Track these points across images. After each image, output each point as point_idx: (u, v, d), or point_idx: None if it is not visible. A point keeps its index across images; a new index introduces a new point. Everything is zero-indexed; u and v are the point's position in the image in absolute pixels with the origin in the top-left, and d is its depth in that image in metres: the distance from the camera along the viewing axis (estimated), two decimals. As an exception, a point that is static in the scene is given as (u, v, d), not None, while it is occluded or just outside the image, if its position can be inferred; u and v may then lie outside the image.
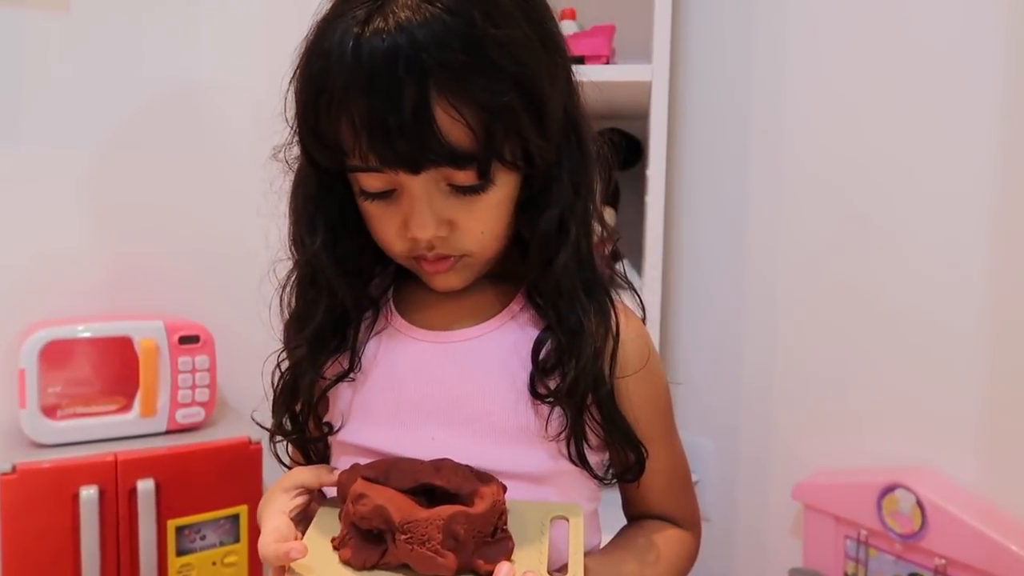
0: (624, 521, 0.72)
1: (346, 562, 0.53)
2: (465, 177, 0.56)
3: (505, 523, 0.55)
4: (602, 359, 0.62)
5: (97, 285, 1.34)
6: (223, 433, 1.26)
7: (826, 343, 1.18)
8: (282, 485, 0.62)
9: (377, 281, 0.69)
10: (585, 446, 0.63)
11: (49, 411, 1.19)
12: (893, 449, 1.09)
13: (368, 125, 0.53)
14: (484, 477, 0.57)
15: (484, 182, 0.57)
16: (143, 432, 1.22)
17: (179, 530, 1.18)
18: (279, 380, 0.68)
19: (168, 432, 1.23)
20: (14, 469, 1.09)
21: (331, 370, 0.66)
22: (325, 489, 0.65)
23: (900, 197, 1.08)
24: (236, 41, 1.45)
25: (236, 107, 1.44)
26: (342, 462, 0.65)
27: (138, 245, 1.38)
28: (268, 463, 1.27)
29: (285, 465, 0.72)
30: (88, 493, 1.11)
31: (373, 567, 0.53)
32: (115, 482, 1.13)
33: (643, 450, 0.64)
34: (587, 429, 0.63)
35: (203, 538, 1.20)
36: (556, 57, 0.59)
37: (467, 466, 0.57)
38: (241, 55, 1.45)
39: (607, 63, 1.19)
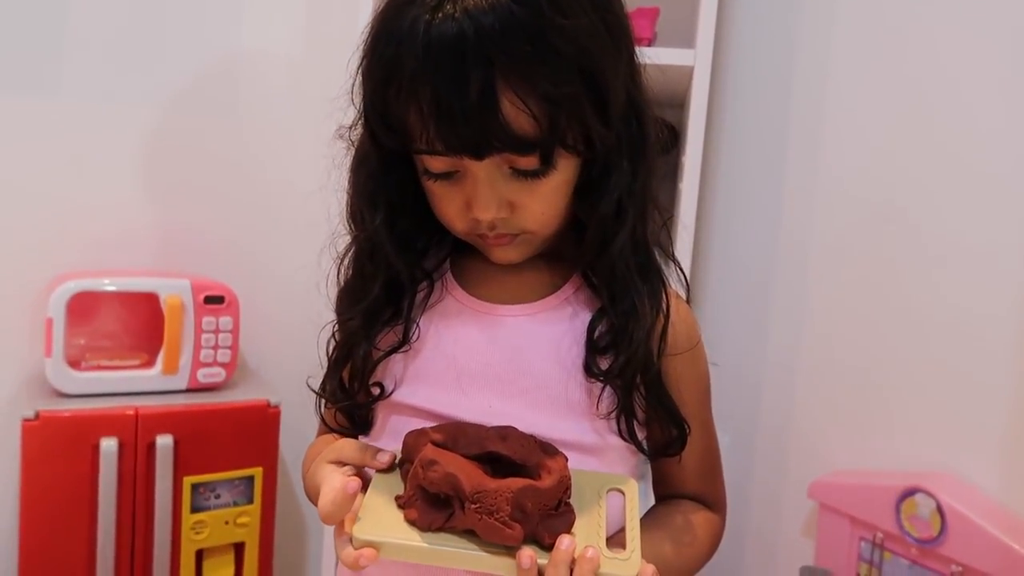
0: (652, 500, 0.73)
1: (412, 522, 0.54)
2: (527, 162, 0.57)
3: (569, 496, 0.56)
4: (652, 340, 0.63)
5: (127, 240, 1.35)
6: (242, 395, 1.27)
7: (852, 341, 1.16)
8: (327, 458, 0.62)
9: (433, 252, 0.70)
10: (634, 421, 0.64)
11: (73, 362, 1.20)
12: (915, 452, 1.07)
13: (435, 112, 0.54)
14: (549, 449, 0.58)
15: (546, 167, 0.58)
16: (164, 388, 1.23)
17: (195, 487, 1.19)
18: (333, 349, 0.69)
19: (188, 390, 1.25)
20: (37, 416, 1.10)
21: (384, 340, 0.66)
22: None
23: (936, 197, 1.06)
24: (296, 13, 1.45)
25: (279, 77, 1.45)
26: (393, 421, 0.66)
27: (169, 204, 1.39)
28: (285, 427, 1.28)
29: (328, 427, 0.73)
30: (108, 444, 1.12)
31: (439, 529, 0.54)
32: (135, 436, 1.15)
33: (686, 426, 0.66)
34: (635, 405, 0.64)
35: (218, 497, 1.21)
36: (621, 43, 0.59)
37: (532, 436, 0.58)
38: (294, 29, 1.45)
39: (649, 46, 1.17)
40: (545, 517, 0.53)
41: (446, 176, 0.60)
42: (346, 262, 0.68)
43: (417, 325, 0.66)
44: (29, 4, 1.26)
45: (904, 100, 1.11)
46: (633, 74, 0.62)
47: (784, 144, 1.27)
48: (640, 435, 0.65)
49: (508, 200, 0.60)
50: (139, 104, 1.35)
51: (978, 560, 0.96)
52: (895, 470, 1.08)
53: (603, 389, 0.63)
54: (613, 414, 0.64)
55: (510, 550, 0.52)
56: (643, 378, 0.64)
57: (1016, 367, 0.98)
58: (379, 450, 0.60)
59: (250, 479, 1.23)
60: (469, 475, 0.54)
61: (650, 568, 0.53)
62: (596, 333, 0.64)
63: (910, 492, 1.02)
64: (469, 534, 0.53)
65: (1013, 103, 0.99)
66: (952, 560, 0.98)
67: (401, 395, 0.66)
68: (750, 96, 1.33)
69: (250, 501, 1.24)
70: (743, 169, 1.34)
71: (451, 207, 0.62)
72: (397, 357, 0.66)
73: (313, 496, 0.61)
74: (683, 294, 0.71)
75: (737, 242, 1.35)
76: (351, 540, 0.53)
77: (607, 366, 0.63)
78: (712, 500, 0.72)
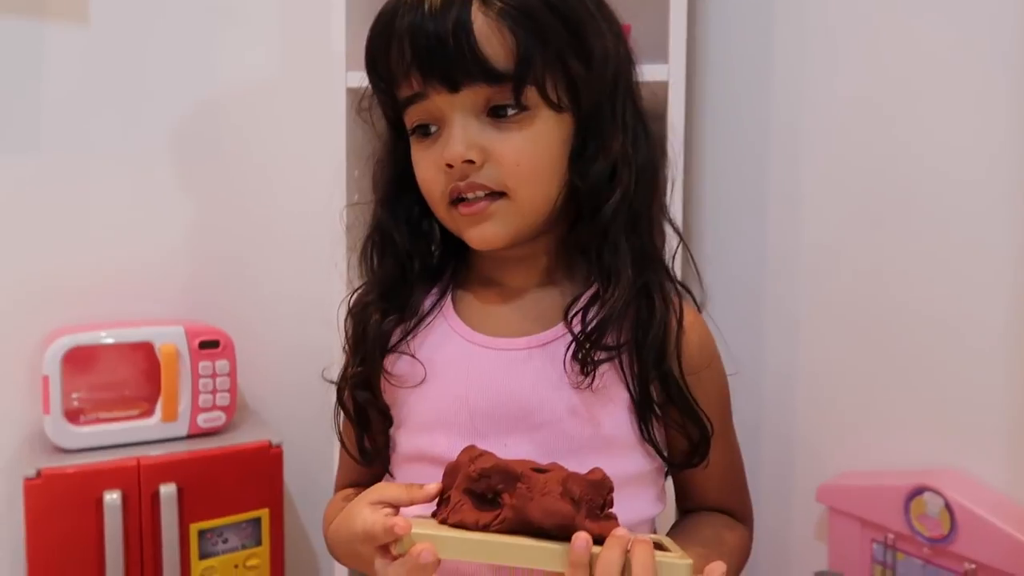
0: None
1: (459, 522, 0.53)
2: (501, 95, 0.58)
3: (612, 504, 0.55)
4: (666, 336, 0.62)
5: (118, 291, 1.35)
6: (244, 437, 1.27)
7: (852, 341, 1.16)
8: (367, 499, 0.58)
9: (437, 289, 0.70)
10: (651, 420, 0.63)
11: (72, 416, 1.20)
12: (921, 451, 1.06)
13: (412, 39, 0.58)
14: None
15: (519, 103, 0.59)
16: (165, 437, 1.23)
17: (201, 533, 1.18)
18: (350, 335, 0.70)
19: (190, 436, 1.24)
20: (39, 474, 1.10)
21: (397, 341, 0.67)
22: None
23: (924, 195, 1.06)
24: (264, 48, 1.46)
25: (260, 110, 1.45)
26: (410, 471, 0.66)
27: (159, 251, 1.39)
28: (289, 467, 1.28)
29: (347, 451, 0.72)
30: (112, 498, 1.12)
31: (485, 527, 0.52)
32: (138, 486, 1.15)
33: (708, 425, 0.65)
34: (651, 400, 0.63)
35: (225, 541, 1.21)
36: (603, 12, 0.63)
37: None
38: (268, 62, 1.46)
39: (624, 62, 1.17)
40: (592, 517, 0.53)
41: (425, 131, 0.61)
42: (367, 253, 0.70)
43: (419, 360, 0.66)
44: (2, 62, 1.27)
45: (885, 98, 1.11)
46: (627, 57, 0.65)
47: (767, 150, 1.27)
48: (660, 440, 0.64)
49: (480, 144, 0.59)
50: (120, 153, 1.35)
51: (991, 556, 0.95)
52: (902, 469, 1.08)
53: (597, 372, 0.61)
54: (585, 378, 0.61)
55: (562, 543, 0.51)
56: (657, 374, 0.62)
57: (1018, 361, 0.97)
58: (423, 485, 0.58)
59: (257, 521, 1.23)
60: (517, 464, 0.54)
61: (722, 570, 0.52)
62: (587, 317, 0.62)
63: (918, 491, 1.02)
64: (520, 532, 0.52)
65: (997, 94, 0.98)
66: (965, 558, 0.97)
67: (419, 444, 0.66)
68: (728, 106, 1.33)
69: (258, 543, 1.23)
70: (726, 179, 1.34)
71: (430, 167, 0.62)
72: (411, 395, 0.66)
73: (342, 546, 0.60)
74: (696, 295, 0.71)
75: (727, 251, 1.34)
76: (400, 543, 0.51)
77: (576, 337, 0.61)
78: (739, 513, 0.71)
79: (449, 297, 0.69)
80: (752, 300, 1.30)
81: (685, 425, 0.64)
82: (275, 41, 1.46)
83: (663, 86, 1.11)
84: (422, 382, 0.65)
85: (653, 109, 1.25)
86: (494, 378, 0.64)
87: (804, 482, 1.21)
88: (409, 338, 0.67)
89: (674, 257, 0.73)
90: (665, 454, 0.65)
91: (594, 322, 0.61)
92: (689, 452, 0.66)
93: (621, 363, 0.63)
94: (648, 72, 1.09)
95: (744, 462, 1.30)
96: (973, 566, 0.97)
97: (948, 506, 0.98)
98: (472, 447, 0.57)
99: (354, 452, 0.70)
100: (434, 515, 0.56)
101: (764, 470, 1.30)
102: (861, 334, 1.14)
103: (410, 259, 0.68)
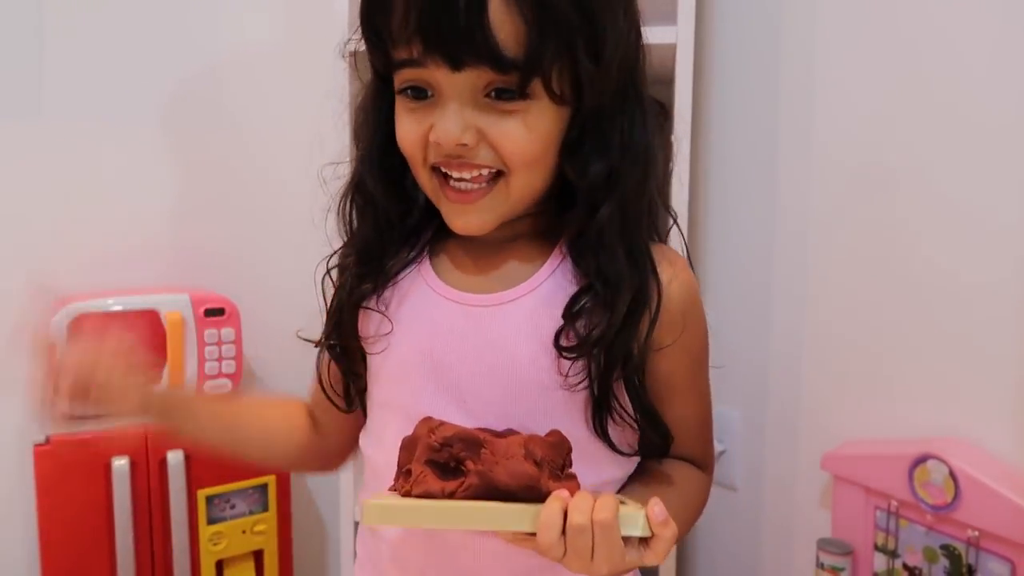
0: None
1: (425, 492, 0.53)
2: (504, 81, 0.55)
3: (571, 464, 0.56)
4: (634, 334, 0.60)
5: (124, 258, 1.35)
6: (250, 404, 1.28)
7: (857, 310, 1.15)
8: None
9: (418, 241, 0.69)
10: (609, 420, 0.62)
11: (80, 383, 1.20)
12: (925, 419, 1.06)
13: (419, 4, 0.53)
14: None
15: (522, 93, 0.56)
16: (172, 404, 1.23)
17: (209, 500, 1.20)
18: (333, 295, 0.70)
19: (197, 404, 1.25)
20: (48, 440, 1.12)
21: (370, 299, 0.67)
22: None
23: (932, 162, 1.05)
24: (266, 13, 1.43)
25: (265, 77, 1.43)
26: (382, 418, 0.67)
27: (164, 218, 1.39)
28: (295, 434, 1.28)
29: (320, 384, 0.74)
30: (120, 464, 1.13)
31: (451, 495, 0.53)
32: (146, 453, 1.16)
33: (670, 435, 0.65)
34: (613, 404, 0.62)
35: (232, 507, 1.22)
36: (625, 2, 0.60)
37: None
38: (270, 26, 1.44)
39: (631, 26, 1.15)
40: (554, 477, 0.54)
41: (418, 96, 0.58)
42: (346, 206, 0.68)
43: (387, 315, 0.66)
44: (2, 26, 1.26)
45: (897, 64, 1.08)
46: (636, 44, 0.62)
47: (776, 116, 1.25)
48: (615, 434, 0.63)
49: (476, 126, 0.57)
50: (123, 119, 1.34)
51: (994, 524, 0.95)
52: (906, 438, 1.07)
53: (571, 365, 0.61)
54: (581, 385, 0.61)
55: (528, 505, 0.52)
56: (623, 372, 0.61)
57: (1022, 327, 0.96)
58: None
59: (263, 487, 1.24)
60: (476, 431, 0.56)
61: (660, 507, 0.52)
62: (577, 307, 0.61)
63: (922, 459, 1.01)
64: (484, 498, 0.53)
65: (1010, 62, 0.96)
66: (968, 525, 0.98)
67: (387, 394, 0.67)
68: (738, 69, 1.31)
69: (265, 509, 1.25)
70: (736, 144, 1.32)
71: (414, 130, 0.59)
72: (382, 353, 0.66)
73: None
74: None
75: (735, 216, 1.33)
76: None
77: (579, 339, 0.60)
78: (701, 459, 0.72)
79: (427, 252, 0.69)
80: (759, 269, 1.29)
81: (644, 427, 0.64)
82: (276, 5, 1.44)
83: (671, 49, 1.09)
84: (390, 333, 0.66)
85: (660, 74, 1.23)
86: (461, 333, 0.63)
87: (809, 450, 1.21)
88: (383, 294, 0.67)
89: (667, 236, 0.73)
90: (617, 446, 0.64)
91: (597, 329, 0.60)
92: (645, 445, 0.66)
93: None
94: (656, 35, 1.07)
95: (750, 430, 1.31)
96: (976, 533, 0.97)
97: (952, 474, 0.98)
98: (429, 418, 0.57)
99: (340, 403, 0.72)
100: (393, 488, 0.56)
101: (769, 438, 1.30)
102: (867, 303, 1.13)
103: (389, 222, 0.66)
